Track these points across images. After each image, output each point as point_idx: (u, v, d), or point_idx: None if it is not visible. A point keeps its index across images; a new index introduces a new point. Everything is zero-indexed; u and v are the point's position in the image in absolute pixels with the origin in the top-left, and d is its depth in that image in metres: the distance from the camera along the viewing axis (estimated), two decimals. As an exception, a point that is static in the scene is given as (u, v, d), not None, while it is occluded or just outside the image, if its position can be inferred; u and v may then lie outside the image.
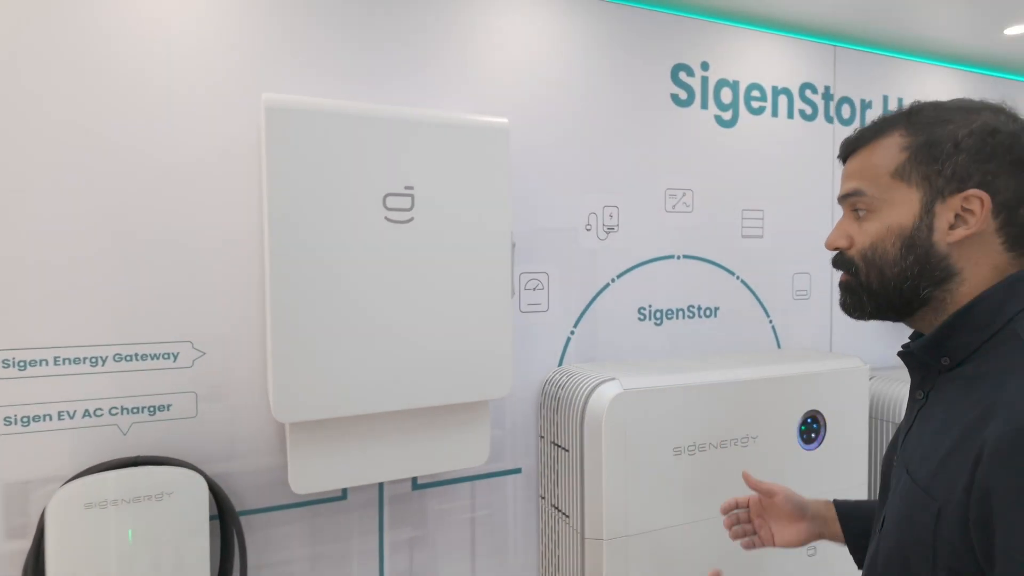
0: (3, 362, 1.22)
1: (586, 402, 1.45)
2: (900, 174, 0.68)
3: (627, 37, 1.76)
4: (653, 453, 1.46)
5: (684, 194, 1.86)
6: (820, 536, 1.00)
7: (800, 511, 1.01)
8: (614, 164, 1.76)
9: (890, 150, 0.69)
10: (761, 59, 1.95)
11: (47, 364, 1.25)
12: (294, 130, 1.18)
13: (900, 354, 0.73)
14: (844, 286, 0.76)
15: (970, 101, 0.69)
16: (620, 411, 1.41)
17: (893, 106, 2.19)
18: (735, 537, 1.06)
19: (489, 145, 1.36)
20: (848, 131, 1.34)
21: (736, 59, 1.91)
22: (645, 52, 1.78)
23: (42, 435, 1.25)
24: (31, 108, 1.22)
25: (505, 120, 1.40)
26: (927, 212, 0.67)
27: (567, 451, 1.52)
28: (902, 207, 0.69)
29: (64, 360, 1.26)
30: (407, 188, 1.27)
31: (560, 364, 1.71)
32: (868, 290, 0.73)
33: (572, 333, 1.73)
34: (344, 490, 1.49)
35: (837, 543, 0.98)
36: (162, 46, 1.30)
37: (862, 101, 2.13)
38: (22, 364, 1.23)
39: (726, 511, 1.08)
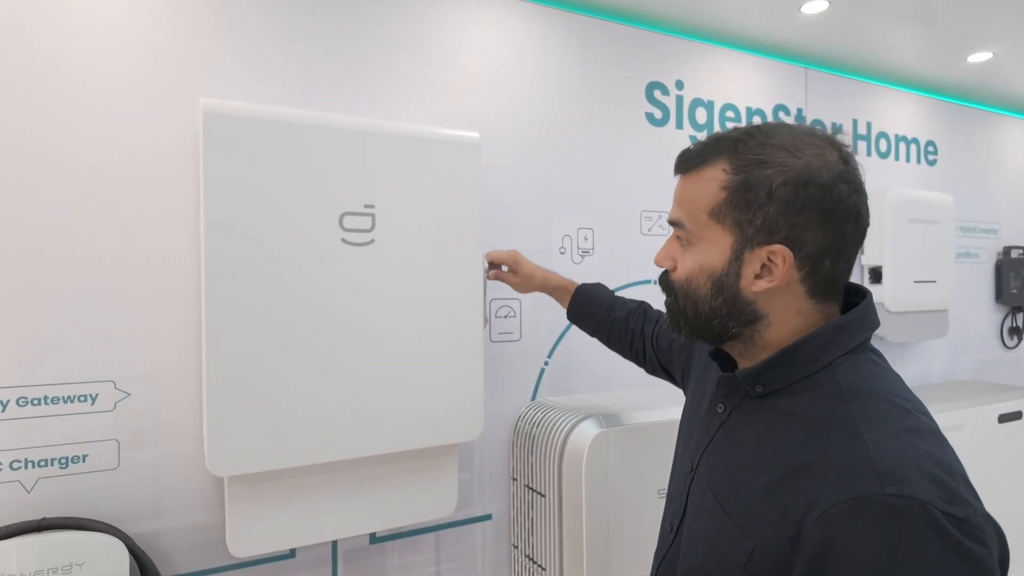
0: None
1: (565, 442, 1.32)
2: (716, 215, 0.69)
3: (601, 52, 1.68)
4: (636, 496, 1.34)
5: (660, 216, 1.78)
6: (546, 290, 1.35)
7: (531, 283, 1.34)
8: (589, 185, 1.67)
9: (711, 185, 0.69)
10: (735, 79, 1.91)
11: (-68, 411, 1.05)
12: (236, 139, 1.04)
13: (722, 377, 0.75)
14: (667, 307, 0.79)
15: (801, 134, 0.68)
16: (601, 451, 1.29)
17: (863, 130, 2.18)
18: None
19: (459, 161, 1.24)
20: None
21: (710, 79, 1.86)
22: (619, 68, 1.71)
23: (-76, 496, 1.05)
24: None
25: (476, 134, 1.28)
26: (736, 259, 0.68)
27: (543, 496, 1.38)
28: (715, 248, 0.70)
29: (-46, 406, 1.06)
30: (367, 207, 1.13)
31: (534, 398, 1.58)
32: (684, 317, 0.75)
33: (546, 364, 1.61)
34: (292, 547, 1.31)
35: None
36: (89, 39, 1.14)
37: (833, 124, 2.11)
38: (-100, 412, 1.03)
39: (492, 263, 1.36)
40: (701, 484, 0.74)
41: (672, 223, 0.75)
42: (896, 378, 0.68)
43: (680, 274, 0.74)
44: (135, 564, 1.13)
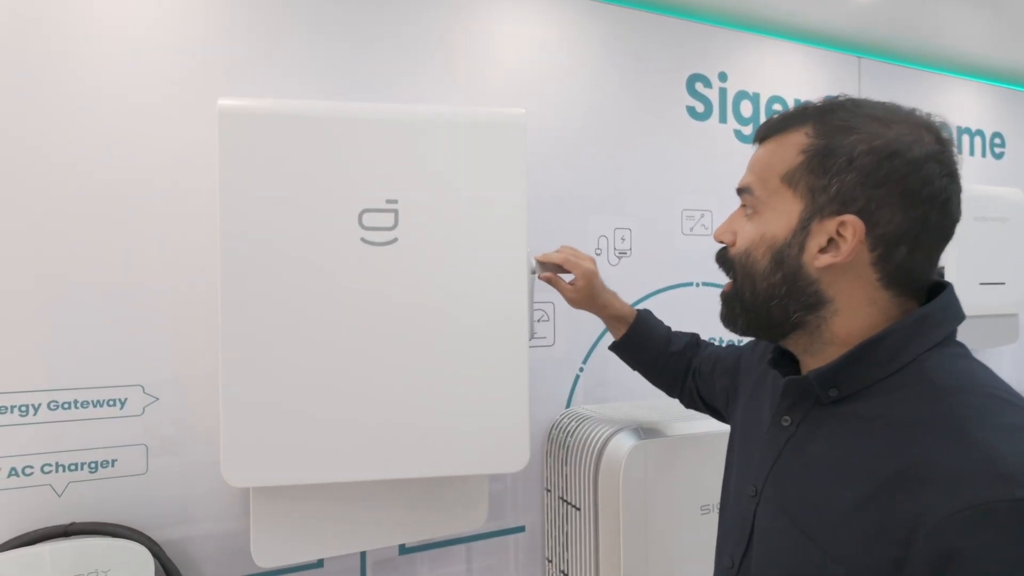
0: (-90, 413, 1.03)
1: (600, 454, 1.25)
2: (789, 179, 0.62)
3: (637, 45, 1.61)
4: (678, 512, 1.25)
5: (703, 215, 1.69)
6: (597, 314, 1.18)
7: (590, 302, 1.16)
8: (626, 183, 1.60)
9: (790, 149, 0.62)
10: (783, 70, 1.80)
11: (-33, 414, 1.06)
12: (251, 137, 1.00)
13: (791, 381, 0.65)
14: (724, 296, 0.70)
15: (895, 109, 0.61)
16: (639, 464, 1.22)
17: (922, 121, 2.04)
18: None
19: (499, 144, 1.10)
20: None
21: (756, 70, 1.76)
22: (658, 61, 1.63)
23: (-40, 498, 1.05)
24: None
25: (522, 111, 1.13)
26: (802, 228, 0.61)
27: (578, 509, 1.31)
28: (781, 216, 0.63)
29: (-12, 409, 1.07)
30: (389, 203, 1.07)
31: (568, 405, 1.52)
32: (741, 301, 0.67)
33: (581, 370, 1.54)
34: (319, 558, 1.28)
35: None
36: (112, 43, 1.14)
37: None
38: (-63, 414, 1.04)
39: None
40: (769, 509, 0.65)
41: (740, 191, 0.68)
42: (991, 372, 0.60)
43: (739, 247, 0.66)
44: (161, 571, 1.11)
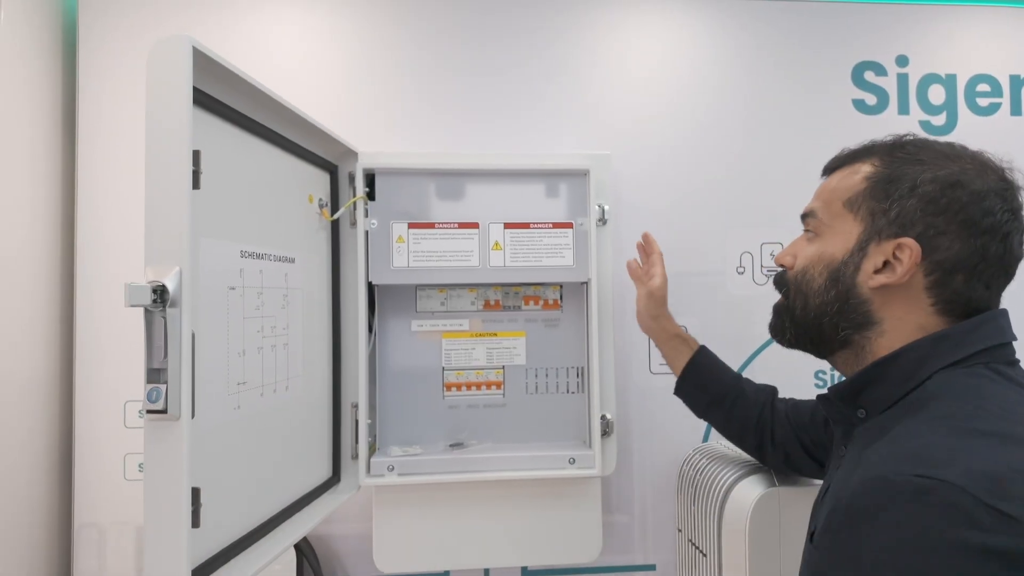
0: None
1: (725, 497, 1.12)
2: (851, 204, 0.66)
3: (791, 38, 1.44)
4: (825, 574, 1.07)
5: (877, 225, 1.44)
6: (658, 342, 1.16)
7: (657, 315, 1.15)
8: (777, 192, 1.43)
9: (854, 177, 0.67)
10: (989, 42, 1.47)
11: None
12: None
13: (819, 398, 0.71)
14: (775, 307, 0.75)
15: (963, 148, 0.64)
16: (770, 513, 1.07)
17: None
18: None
19: None
20: None
21: (949, 47, 1.46)
22: (815, 54, 1.44)
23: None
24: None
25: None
26: (860, 250, 0.65)
27: (704, 555, 1.19)
28: (840, 238, 0.67)
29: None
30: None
31: (705, 440, 1.40)
32: (792, 316, 0.71)
33: (721, 401, 1.40)
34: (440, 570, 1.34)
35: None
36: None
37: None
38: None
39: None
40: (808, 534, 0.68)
41: (804, 216, 0.72)
42: (1009, 399, 0.55)
43: (798, 265, 0.70)
44: (305, 562, 1.26)
